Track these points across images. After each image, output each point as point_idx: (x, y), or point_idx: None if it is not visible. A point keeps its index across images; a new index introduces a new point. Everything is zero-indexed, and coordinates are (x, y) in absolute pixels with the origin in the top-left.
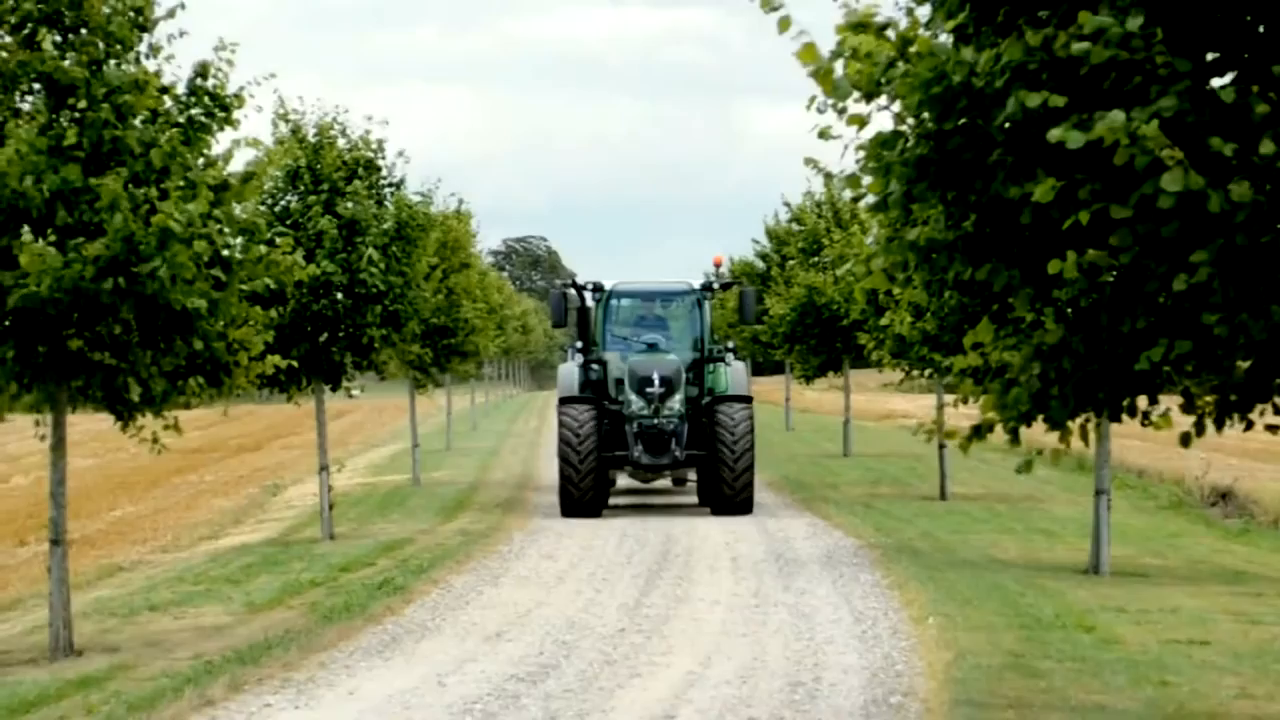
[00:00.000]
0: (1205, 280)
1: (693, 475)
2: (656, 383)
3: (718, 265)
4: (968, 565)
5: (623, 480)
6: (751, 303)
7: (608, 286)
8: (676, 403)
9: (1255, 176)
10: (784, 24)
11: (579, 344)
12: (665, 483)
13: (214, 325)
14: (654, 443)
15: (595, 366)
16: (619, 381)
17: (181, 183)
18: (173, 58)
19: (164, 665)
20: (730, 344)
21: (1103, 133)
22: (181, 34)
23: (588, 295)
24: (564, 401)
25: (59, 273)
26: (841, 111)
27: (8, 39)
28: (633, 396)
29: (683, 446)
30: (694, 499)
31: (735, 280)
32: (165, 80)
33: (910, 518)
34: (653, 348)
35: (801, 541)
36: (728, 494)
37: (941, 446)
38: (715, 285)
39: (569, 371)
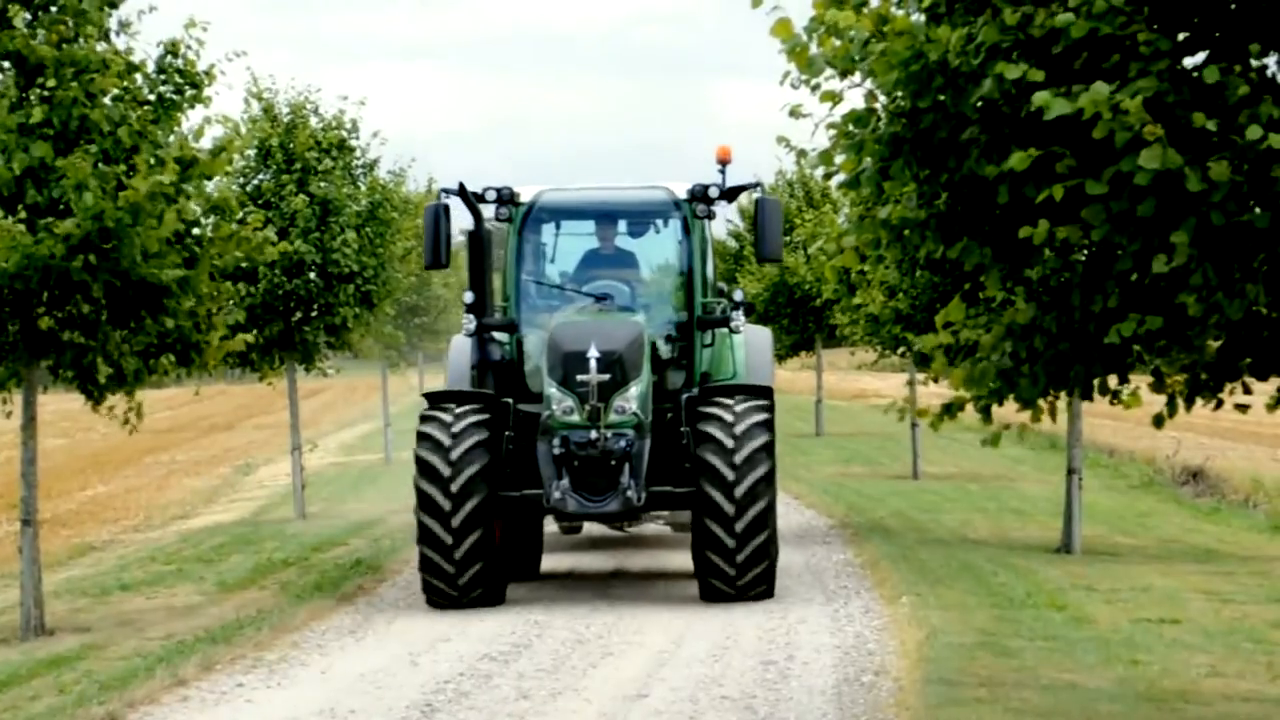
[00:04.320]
0: (1184, 261)
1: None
2: (593, 364)
3: (724, 161)
4: (940, 544)
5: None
6: (777, 221)
7: (525, 196)
8: (631, 399)
9: (1234, 156)
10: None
11: (469, 298)
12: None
13: (185, 302)
14: (589, 472)
15: (503, 339)
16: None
17: (151, 160)
18: (138, 34)
19: (136, 645)
20: (740, 296)
21: (1085, 104)
22: (151, 9)
23: (489, 214)
24: (433, 403)
25: (28, 249)
26: (815, 88)
27: None
28: (552, 390)
29: (641, 478)
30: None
31: (750, 184)
32: (135, 58)
33: (882, 497)
34: (603, 301)
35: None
36: (721, 570)
37: (914, 426)
38: (715, 194)
39: (461, 349)
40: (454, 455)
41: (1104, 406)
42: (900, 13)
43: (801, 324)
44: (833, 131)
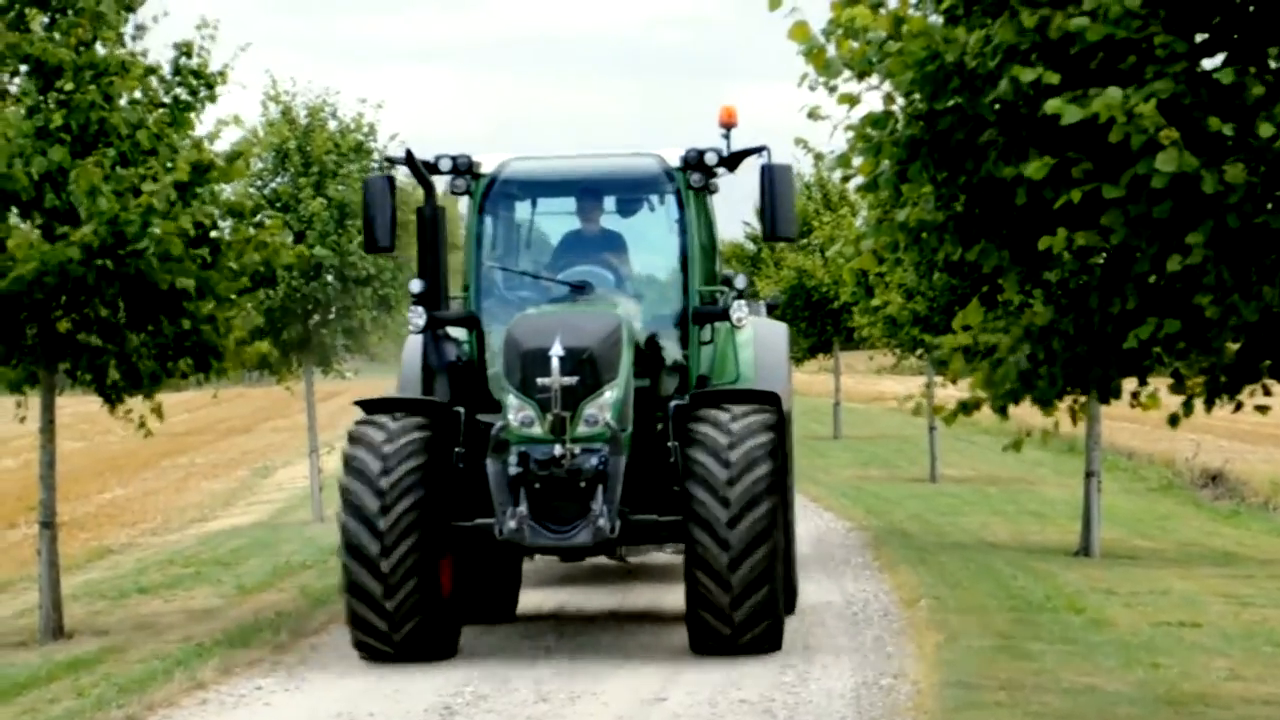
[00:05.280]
0: (1199, 262)
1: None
2: (556, 364)
3: (728, 125)
4: (958, 547)
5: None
6: (789, 193)
7: (488, 168)
8: (605, 406)
9: (1250, 158)
10: (774, 2)
11: (417, 287)
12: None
13: (202, 306)
14: (552, 496)
15: (462, 337)
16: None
17: (169, 164)
18: (147, 33)
19: (154, 648)
20: (742, 283)
21: (1099, 109)
22: (165, 14)
23: (442, 187)
24: (369, 412)
25: (46, 256)
26: (832, 90)
27: None
28: (509, 396)
29: (615, 504)
30: None
31: (755, 148)
32: (150, 61)
33: (900, 500)
34: (580, 291)
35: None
36: (713, 629)
37: (931, 429)
38: (714, 160)
39: (416, 349)
40: (384, 485)
41: (1123, 409)
42: (917, 14)
43: (819, 326)
44: (850, 134)
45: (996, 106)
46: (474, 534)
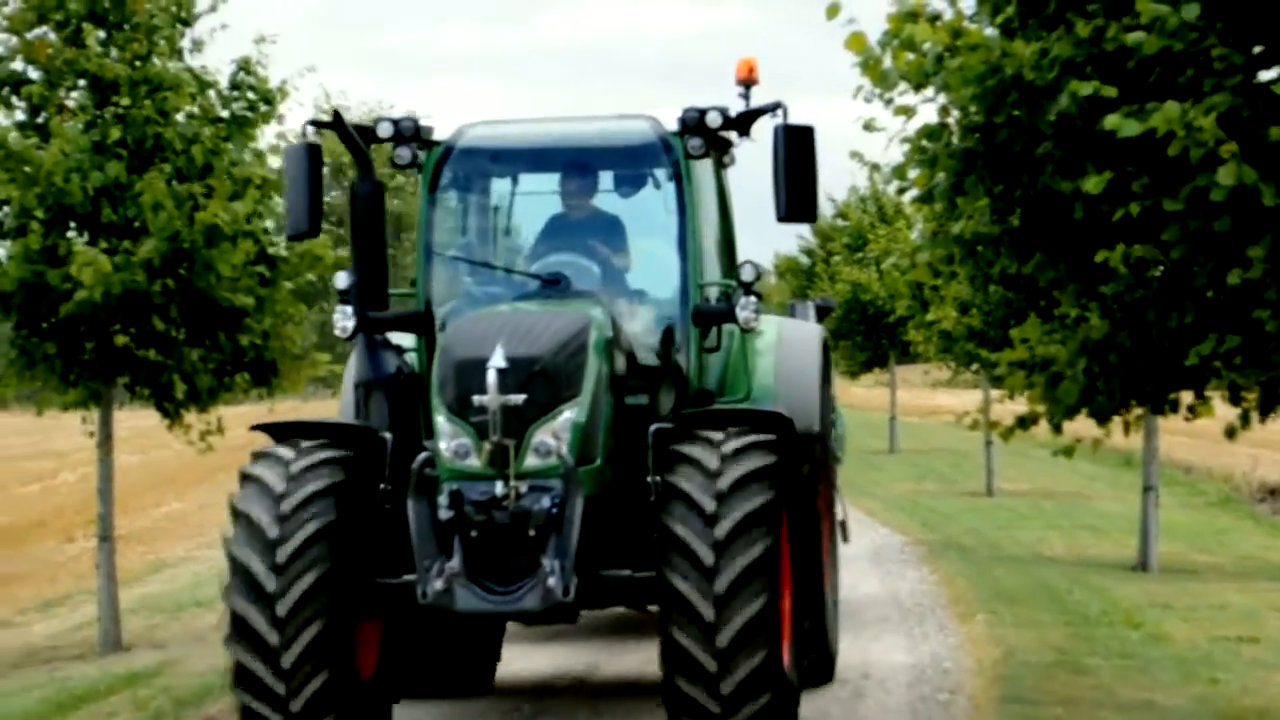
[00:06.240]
0: (1259, 276)
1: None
2: (493, 378)
3: (748, 82)
4: (1015, 561)
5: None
6: (809, 162)
7: (441, 136)
8: (562, 431)
9: None
10: (832, 10)
11: (343, 282)
12: None
13: (261, 322)
14: (490, 547)
15: (405, 346)
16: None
17: (229, 181)
18: (205, 47)
19: (211, 661)
20: (749, 273)
21: (1158, 123)
22: (223, 26)
23: (378, 156)
24: (278, 437)
25: (111, 278)
26: (888, 102)
27: (53, 36)
28: (440, 419)
29: (571, 557)
30: None
31: (769, 106)
32: (208, 76)
33: (956, 513)
34: (552, 287)
35: (848, 536)
36: (691, 694)
37: (988, 442)
38: (718, 122)
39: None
40: (281, 553)
41: (1180, 423)
42: (973, 27)
43: (875, 340)
44: (906, 146)
45: (1054, 119)
46: (403, 594)
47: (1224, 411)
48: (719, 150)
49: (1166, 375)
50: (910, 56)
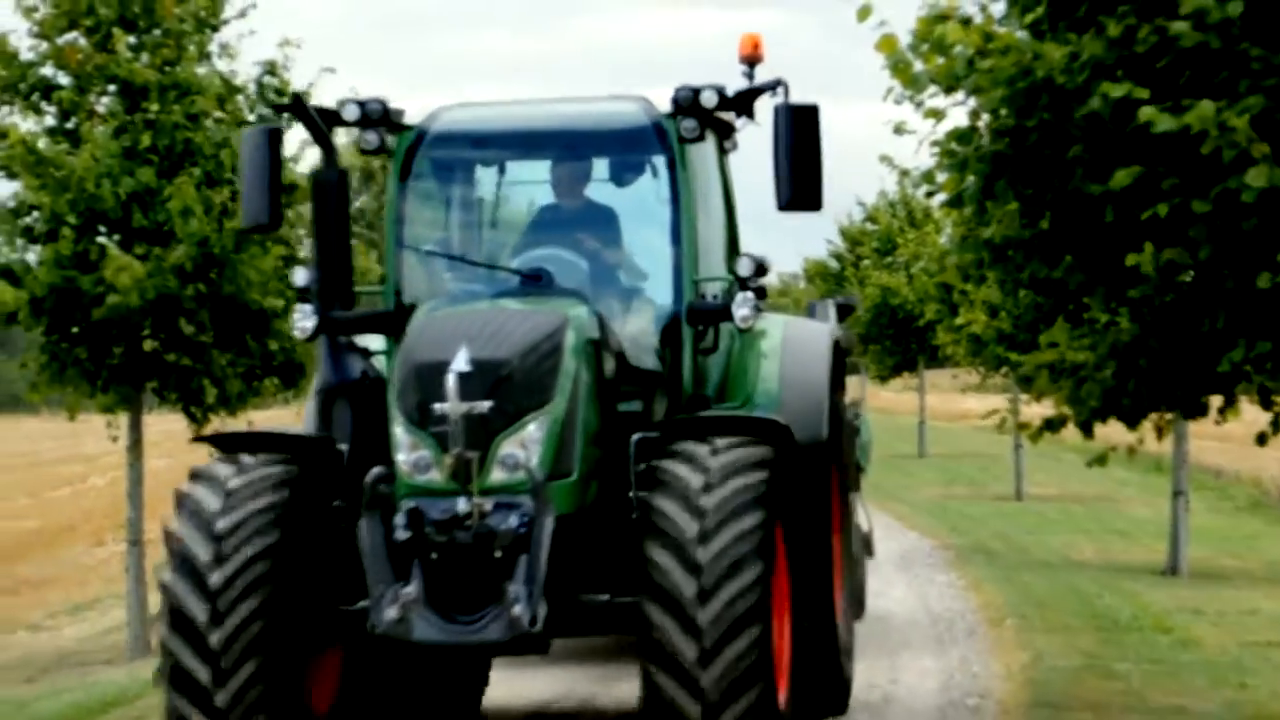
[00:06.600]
0: None
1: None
2: (452, 384)
3: (752, 59)
4: (1044, 566)
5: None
6: (812, 144)
7: (414, 118)
8: (531, 444)
9: None
10: (863, 13)
11: (302, 278)
12: None
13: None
14: (451, 571)
15: (372, 350)
16: None
17: None
18: (237, 55)
19: None
20: (747, 268)
21: (1192, 120)
22: (251, 32)
23: (343, 145)
24: (224, 449)
25: (144, 283)
26: (918, 105)
27: (84, 42)
28: (398, 429)
29: (539, 583)
30: None
31: (769, 84)
32: (237, 81)
33: (985, 518)
34: (534, 283)
35: (876, 542)
36: None
37: (1017, 446)
38: (713, 102)
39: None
40: (216, 579)
41: (1210, 427)
42: (1003, 29)
43: (904, 345)
44: (935, 149)
45: (1083, 121)
46: (364, 621)
47: (1252, 414)
48: (719, 134)
49: (1196, 379)
50: (940, 59)
